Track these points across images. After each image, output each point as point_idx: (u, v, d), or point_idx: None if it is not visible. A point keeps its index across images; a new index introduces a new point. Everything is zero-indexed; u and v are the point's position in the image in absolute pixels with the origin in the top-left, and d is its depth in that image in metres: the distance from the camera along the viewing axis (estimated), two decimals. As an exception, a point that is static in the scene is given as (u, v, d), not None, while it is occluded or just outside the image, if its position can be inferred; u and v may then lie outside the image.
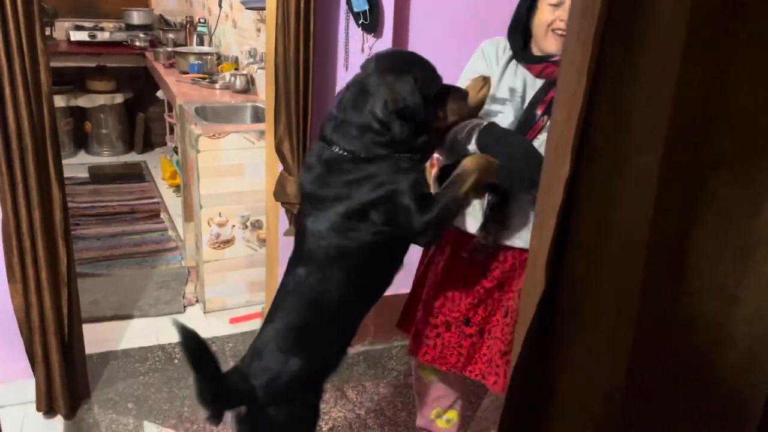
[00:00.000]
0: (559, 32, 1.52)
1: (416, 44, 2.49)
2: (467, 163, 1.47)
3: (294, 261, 1.53)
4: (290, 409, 1.54)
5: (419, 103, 1.40)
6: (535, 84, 1.62)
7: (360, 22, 2.32)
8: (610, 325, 0.87)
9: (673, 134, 0.75)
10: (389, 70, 1.43)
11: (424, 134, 1.46)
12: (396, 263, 1.57)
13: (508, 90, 1.63)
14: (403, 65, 1.46)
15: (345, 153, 1.43)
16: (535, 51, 1.62)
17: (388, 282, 1.59)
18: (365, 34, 2.36)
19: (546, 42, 1.56)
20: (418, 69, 1.46)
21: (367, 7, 2.27)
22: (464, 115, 1.55)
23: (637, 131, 0.76)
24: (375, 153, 1.41)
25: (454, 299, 1.75)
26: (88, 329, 2.38)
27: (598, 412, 0.91)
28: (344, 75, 2.37)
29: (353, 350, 2.02)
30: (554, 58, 1.56)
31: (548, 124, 1.55)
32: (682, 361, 0.86)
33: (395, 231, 1.45)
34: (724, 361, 0.82)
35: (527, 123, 1.61)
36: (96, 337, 2.64)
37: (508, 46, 1.67)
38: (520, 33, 1.62)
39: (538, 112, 1.60)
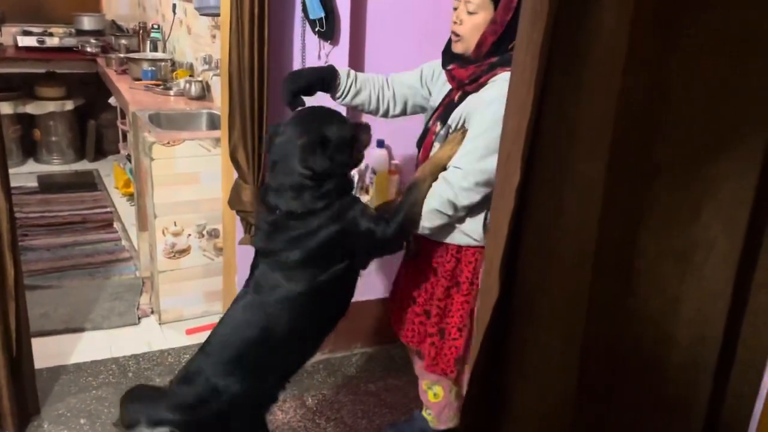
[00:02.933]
0: (453, 36, 1.69)
1: (372, 51, 2.50)
2: (420, 171, 1.70)
3: (245, 302, 1.62)
4: None
5: (326, 161, 1.54)
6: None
7: (316, 29, 2.32)
8: (562, 327, 0.90)
9: (617, 142, 0.78)
10: (300, 133, 1.56)
11: (347, 170, 1.65)
12: (344, 299, 1.72)
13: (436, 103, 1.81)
14: (311, 126, 1.59)
15: (288, 213, 1.55)
16: None
17: (333, 321, 1.76)
18: (322, 41, 2.36)
19: (453, 46, 1.72)
20: (327, 126, 1.58)
21: (323, 15, 2.28)
22: (369, 143, 1.72)
23: (584, 139, 0.78)
24: (312, 207, 1.54)
25: (408, 287, 1.96)
26: (38, 343, 2.30)
27: (551, 411, 0.93)
28: (301, 82, 2.36)
29: (313, 359, 2.03)
30: (449, 67, 1.72)
31: (440, 132, 1.74)
32: (630, 359, 0.89)
33: (350, 265, 1.62)
34: (669, 360, 0.85)
35: (424, 132, 1.83)
36: (47, 351, 2.56)
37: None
38: (448, 46, 1.77)
39: (430, 122, 1.80)
